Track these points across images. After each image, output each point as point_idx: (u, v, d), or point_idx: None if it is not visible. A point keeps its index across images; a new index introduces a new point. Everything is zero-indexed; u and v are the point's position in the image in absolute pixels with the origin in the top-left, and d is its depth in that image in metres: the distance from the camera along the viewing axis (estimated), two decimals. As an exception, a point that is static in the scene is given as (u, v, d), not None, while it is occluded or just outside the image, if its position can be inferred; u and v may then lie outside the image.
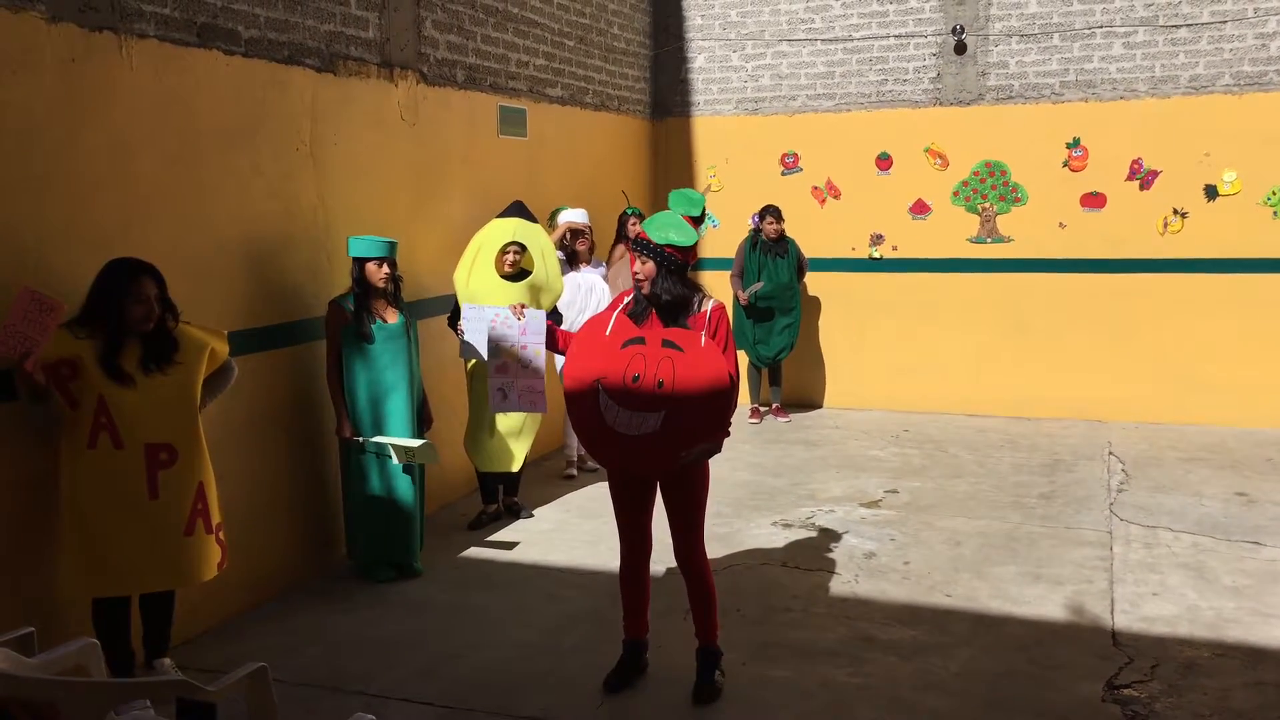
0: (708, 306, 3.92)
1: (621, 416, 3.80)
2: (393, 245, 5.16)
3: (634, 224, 7.53)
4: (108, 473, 3.75)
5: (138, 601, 4.07)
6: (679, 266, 3.88)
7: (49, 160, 3.92)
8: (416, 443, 5.09)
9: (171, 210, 4.46)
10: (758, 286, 8.40)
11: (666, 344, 3.82)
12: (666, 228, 3.88)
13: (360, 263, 5.11)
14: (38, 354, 3.55)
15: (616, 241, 7.54)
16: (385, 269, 5.11)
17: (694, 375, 3.76)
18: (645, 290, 3.89)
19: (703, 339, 3.83)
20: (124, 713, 2.95)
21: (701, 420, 3.80)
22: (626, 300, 4.00)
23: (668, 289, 3.86)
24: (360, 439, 5.13)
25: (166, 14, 4.40)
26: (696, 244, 3.98)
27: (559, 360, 5.47)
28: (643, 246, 3.88)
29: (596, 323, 4.02)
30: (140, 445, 3.78)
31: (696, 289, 3.96)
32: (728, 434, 3.95)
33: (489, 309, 5.56)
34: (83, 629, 3.80)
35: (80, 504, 3.76)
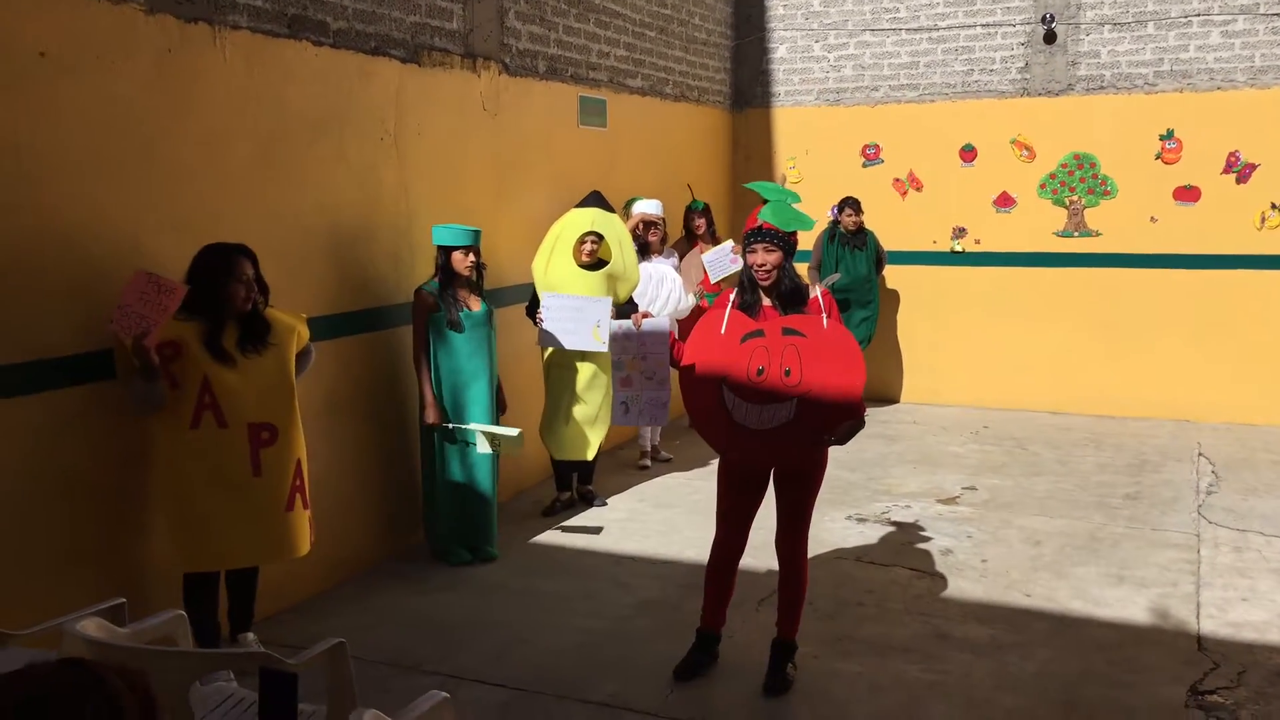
0: (816, 292, 3.93)
1: (751, 412, 3.78)
2: (478, 234, 5.23)
3: (698, 221, 7.52)
4: (211, 451, 3.86)
5: (224, 577, 4.20)
6: (794, 253, 3.90)
7: (146, 149, 4.05)
8: (511, 431, 5.14)
9: (260, 198, 4.58)
10: (835, 278, 8.32)
11: (787, 332, 3.80)
12: (789, 216, 3.86)
13: (446, 251, 5.19)
14: (155, 334, 3.67)
15: (686, 236, 7.53)
16: (471, 257, 5.17)
17: (821, 358, 3.75)
18: (770, 280, 3.86)
19: (824, 320, 3.82)
20: (209, 682, 3.05)
21: (837, 400, 3.76)
22: (734, 296, 3.99)
23: (793, 274, 3.88)
24: (449, 425, 5.20)
25: (258, 5, 4.51)
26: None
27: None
28: (768, 236, 3.84)
29: (708, 322, 3.99)
30: (244, 424, 3.89)
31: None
32: (864, 409, 3.89)
33: (569, 298, 5.62)
34: (172, 602, 3.93)
35: (184, 482, 3.88)
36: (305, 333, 4.23)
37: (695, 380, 3.92)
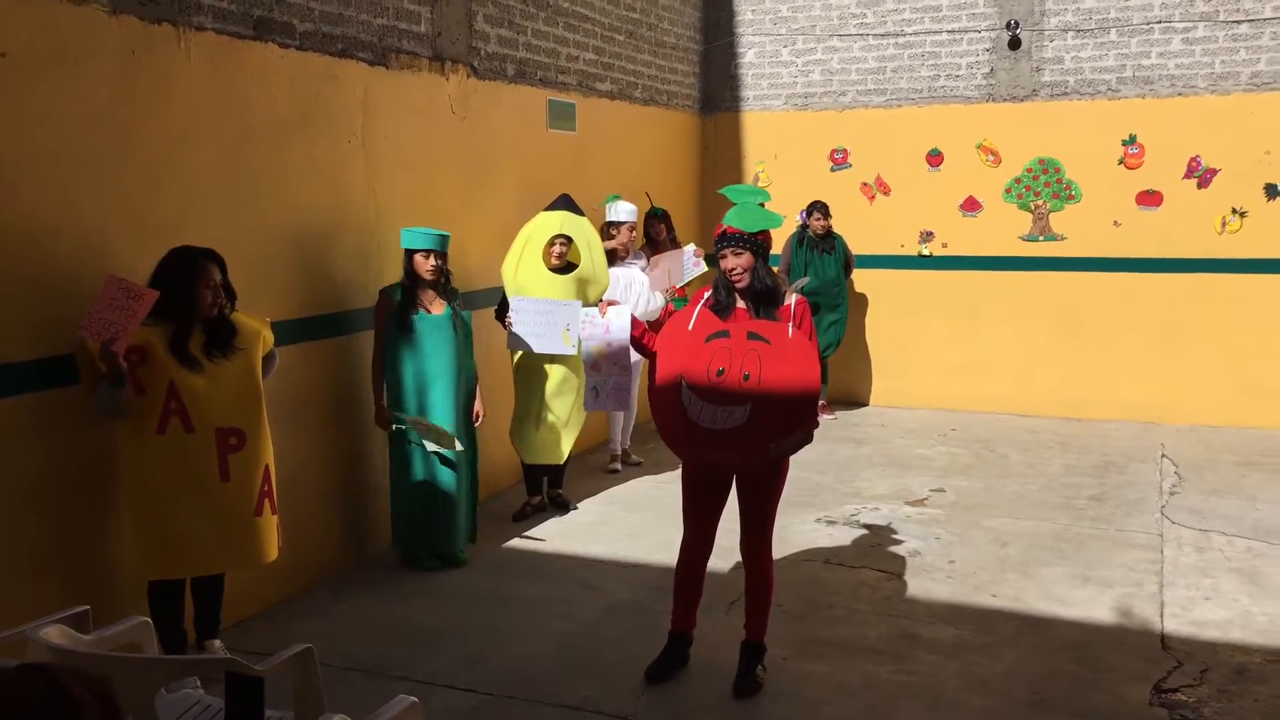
0: (791, 299, 3.92)
1: (705, 411, 3.78)
2: (442, 238, 5.20)
3: (659, 226, 7.52)
4: (179, 457, 3.82)
5: (190, 584, 4.15)
6: (767, 252, 3.90)
7: (110, 150, 4.00)
8: (436, 426, 5.13)
9: (227, 200, 4.54)
10: (804, 282, 8.29)
11: (752, 336, 3.80)
12: (754, 216, 3.87)
13: (410, 254, 5.17)
14: (125, 339, 3.62)
15: (647, 242, 7.52)
16: (432, 260, 5.15)
17: (781, 367, 3.75)
18: (744, 283, 3.87)
19: (790, 330, 3.82)
20: (175, 690, 3.01)
21: (789, 412, 3.77)
22: (707, 295, 4.00)
23: (767, 275, 3.88)
24: (399, 415, 5.17)
25: (224, 7, 4.47)
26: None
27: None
28: (735, 240, 3.85)
29: (679, 319, 4.01)
30: (211, 429, 3.85)
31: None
32: (816, 424, 3.92)
33: (538, 301, 5.61)
34: (136, 609, 3.88)
35: (149, 488, 3.84)
36: (270, 337, 4.20)
37: (657, 374, 3.94)
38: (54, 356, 3.79)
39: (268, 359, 4.22)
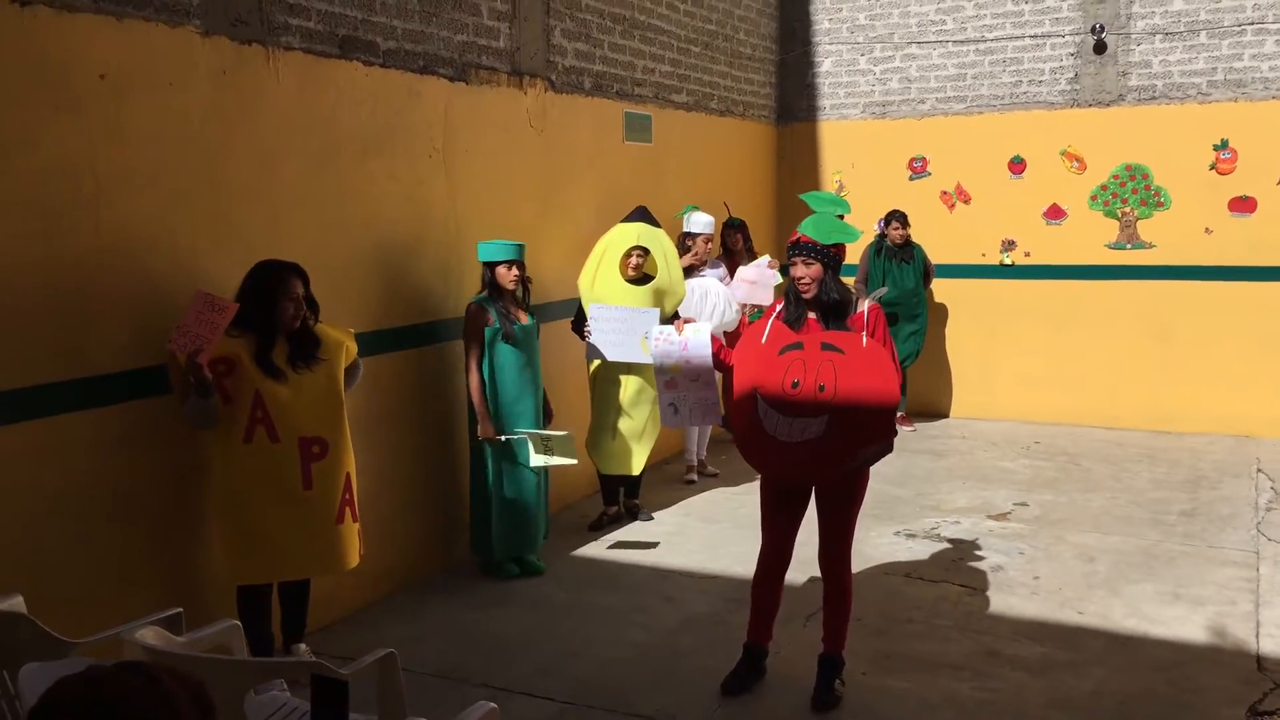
0: (864, 307, 3.88)
1: (782, 424, 3.76)
2: (521, 248, 5.27)
3: (736, 236, 7.51)
4: (264, 465, 3.92)
5: (277, 589, 4.25)
6: (839, 266, 3.87)
7: (202, 168, 4.14)
8: (557, 433, 5.19)
9: (312, 216, 4.66)
10: (882, 292, 8.23)
11: (826, 347, 3.78)
12: (829, 228, 3.85)
13: (490, 266, 5.23)
14: (208, 351, 3.73)
15: (724, 252, 7.52)
16: (515, 271, 5.21)
17: (856, 377, 3.72)
18: (811, 293, 3.85)
19: (864, 339, 3.79)
20: (263, 691, 3.09)
21: (867, 422, 3.73)
22: (779, 308, 3.99)
23: (836, 289, 3.84)
24: (503, 437, 5.23)
25: (311, 27, 4.59)
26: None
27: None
28: (807, 250, 3.83)
29: (752, 333, 4.01)
30: (295, 439, 3.95)
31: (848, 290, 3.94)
32: (895, 433, 3.88)
33: (616, 309, 5.64)
34: (227, 613, 3.99)
35: (237, 496, 3.95)
36: (354, 348, 4.29)
37: (734, 389, 3.93)
38: (147, 368, 3.92)
39: (352, 369, 4.31)
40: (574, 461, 5.25)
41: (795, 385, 3.75)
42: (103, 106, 3.75)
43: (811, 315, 3.89)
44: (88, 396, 3.75)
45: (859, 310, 3.88)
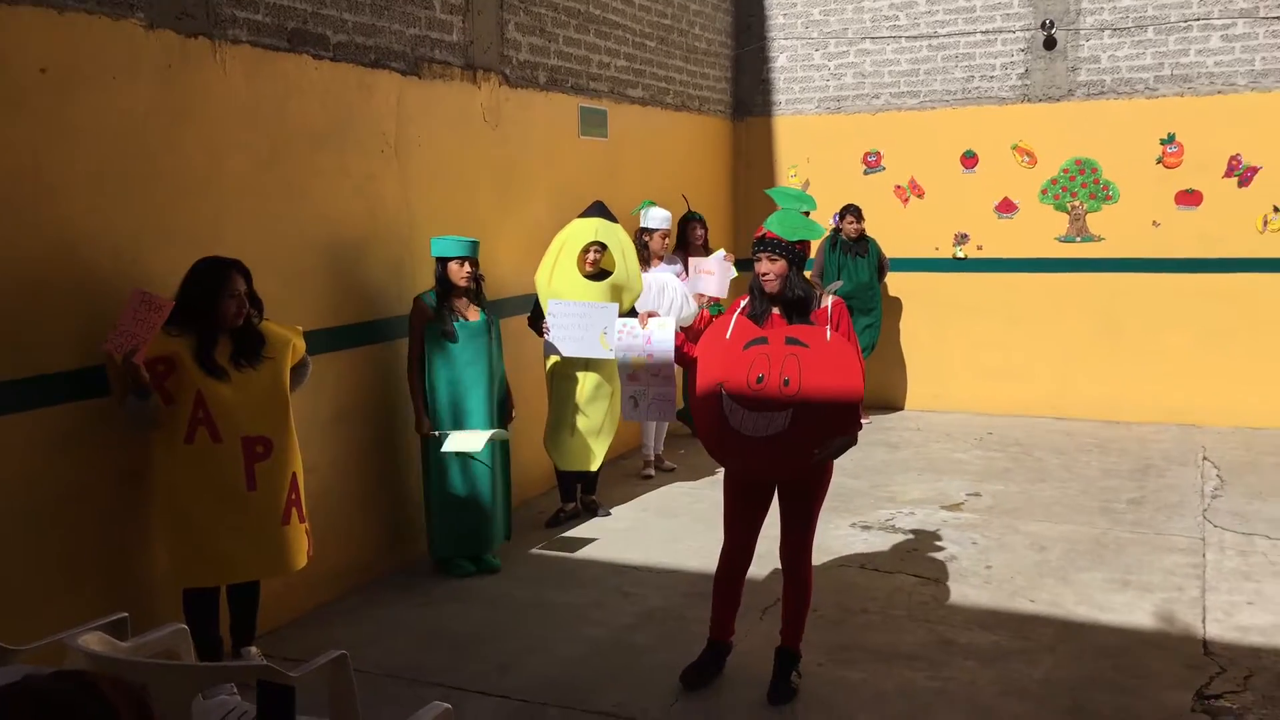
0: (827, 301, 3.90)
1: (747, 419, 3.77)
2: (474, 244, 5.23)
3: (699, 231, 7.54)
4: (206, 466, 3.86)
5: (225, 591, 4.19)
6: (803, 262, 3.88)
7: (147, 162, 4.06)
8: (485, 432, 5.15)
9: (261, 210, 4.59)
10: (836, 285, 8.27)
11: (790, 341, 3.79)
12: (795, 225, 3.85)
13: (443, 262, 5.20)
14: (144, 350, 3.66)
15: (679, 247, 7.53)
16: (467, 268, 5.18)
17: (821, 371, 3.73)
18: (775, 289, 3.85)
19: (828, 333, 3.81)
20: (211, 696, 3.04)
21: (831, 416, 3.75)
22: (744, 303, 3.99)
23: (800, 285, 3.85)
24: (437, 434, 5.21)
25: (258, 20, 4.52)
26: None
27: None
28: (772, 245, 3.83)
29: (717, 328, 4.01)
30: (238, 438, 3.88)
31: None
32: (860, 426, 3.90)
33: (575, 304, 5.62)
34: (174, 616, 3.93)
35: (179, 497, 3.88)
36: (301, 345, 4.23)
37: (698, 384, 3.93)
38: (90, 368, 3.84)
39: (300, 367, 4.26)
40: (478, 449, 5.16)
41: (760, 380, 3.76)
42: (44, 102, 3.67)
43: (775, 310, 3.90)
44: (29, 397, 3.67)
45: (822, 305, 3.89)
